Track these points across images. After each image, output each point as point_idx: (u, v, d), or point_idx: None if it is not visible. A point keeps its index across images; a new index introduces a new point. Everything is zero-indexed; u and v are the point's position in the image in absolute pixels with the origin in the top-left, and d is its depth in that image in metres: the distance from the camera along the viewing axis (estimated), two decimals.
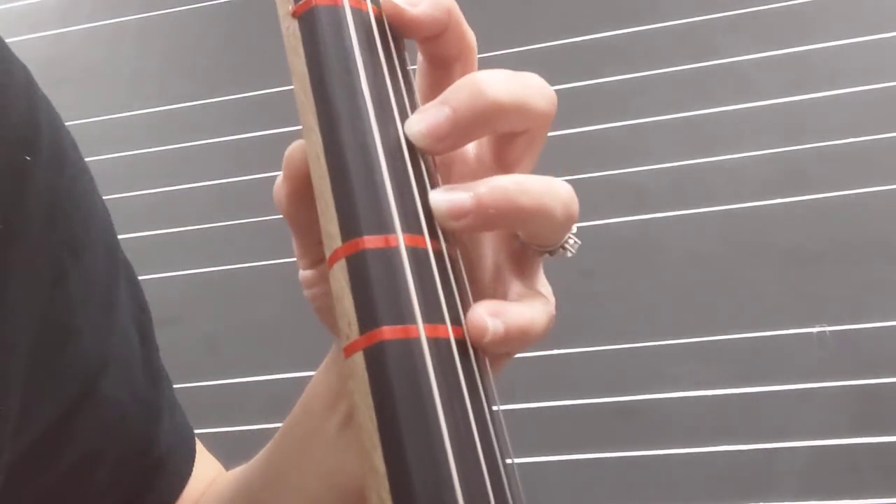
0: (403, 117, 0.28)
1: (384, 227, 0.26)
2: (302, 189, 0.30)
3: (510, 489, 0.25)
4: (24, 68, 0.44)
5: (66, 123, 0.46)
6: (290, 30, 0.29)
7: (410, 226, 0.26)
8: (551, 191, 0.29)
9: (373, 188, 0.26)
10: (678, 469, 1.19)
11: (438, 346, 0.25)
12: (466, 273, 0.29)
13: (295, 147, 0.30)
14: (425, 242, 0.26)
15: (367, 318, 0.25)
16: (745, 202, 1.24)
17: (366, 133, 0.27)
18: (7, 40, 0.43)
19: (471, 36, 0.32)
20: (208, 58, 1.49)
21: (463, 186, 0.28)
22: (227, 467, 0.54)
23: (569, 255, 0.33)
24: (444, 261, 0.27)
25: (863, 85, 1.24)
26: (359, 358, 0.25)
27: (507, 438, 0.27)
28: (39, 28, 1.58)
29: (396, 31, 0.31)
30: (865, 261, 1.20)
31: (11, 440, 0.41)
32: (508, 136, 0.31)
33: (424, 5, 0.30)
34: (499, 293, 0.34)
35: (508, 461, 0.26)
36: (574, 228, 0.32)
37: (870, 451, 1.14)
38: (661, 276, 1.25)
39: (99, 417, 0.45)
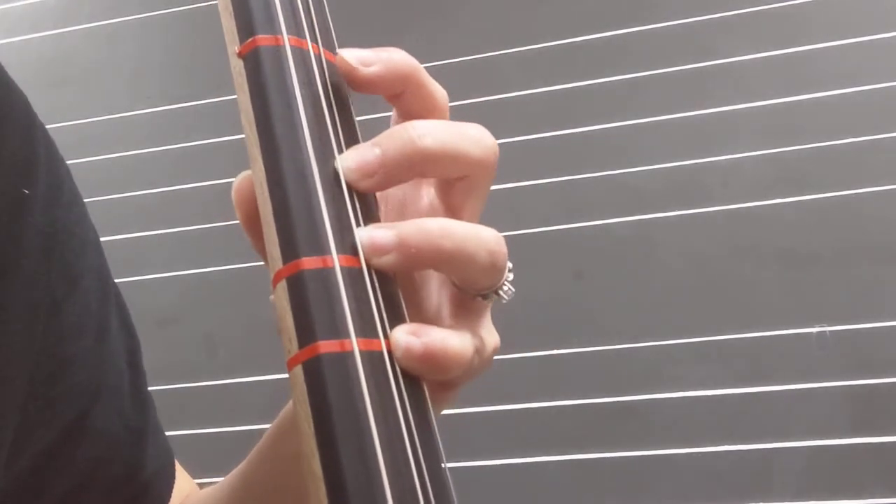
0: (340, 148, 0.30)
1: (321, 249, 0.28)
2: (253, 215, 0.31)
3: (442, 492, 0.27)
4: (22, 97, 0.44)
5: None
6: (237, 69, 0.31)
7: (347, 248, 0.28)
8: (476, 237, 0.30)
9: (310, 213, 0.28)
10: (678, 469, 1.19)
11: (372, 358, 0.27)
12: (410, 312, 0.30)
13: (242, 177, 0.32)
14: (360, 263, 0.28)
15: (306, 333, 0.27)
16: (743, 202, 1.24)
17: (304, 164, 0.29)
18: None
19: (439, 96, 0.33)
20: (208, 58, 1.49)
21: (390, 225, 0.29)
22: (224, 467, 0.54)
23: (504, 300, 0.34)
24: (376, 281, 0.29)
25: (860, 85, 1.24)
26: (298, 370, 0.27)
27: (441, 444, 0.28)
28: (40, 28, 1.58)
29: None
30: (864, 261, 1.20)
31: (4, 469, 0.41)
32: (449, 182, 0.33)
33: (376, 67, 0.31)
34: None
35: (443, 465, 0.28)
36: (510, 276, 0.34)
37: (869, 451, 1.14)
38: (661, 276, 1.26)
39: (89, 447, 0.45)
